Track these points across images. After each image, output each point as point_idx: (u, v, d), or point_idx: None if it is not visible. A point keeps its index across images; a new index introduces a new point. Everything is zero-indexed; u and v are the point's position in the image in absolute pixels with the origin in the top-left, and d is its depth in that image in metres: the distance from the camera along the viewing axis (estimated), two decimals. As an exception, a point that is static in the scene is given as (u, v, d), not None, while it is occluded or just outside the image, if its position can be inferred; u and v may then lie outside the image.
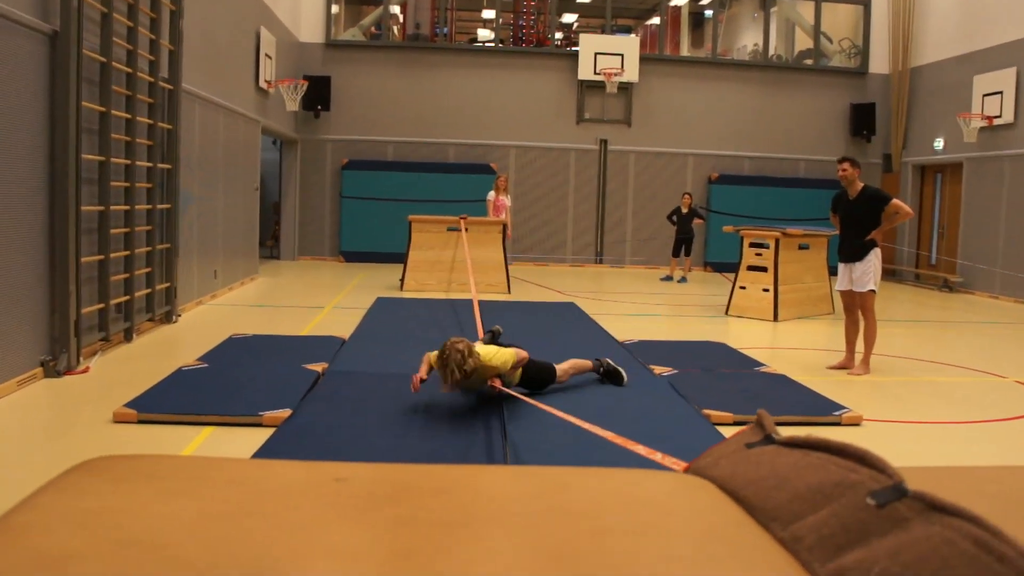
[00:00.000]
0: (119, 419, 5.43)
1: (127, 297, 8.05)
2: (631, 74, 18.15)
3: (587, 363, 6.58)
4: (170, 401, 5.73)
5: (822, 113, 18.97)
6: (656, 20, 20.46)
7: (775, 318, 10.98)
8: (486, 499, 0.85)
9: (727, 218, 17.52)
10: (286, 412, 5.49)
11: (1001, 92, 14.89)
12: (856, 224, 7.77)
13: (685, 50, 22.30)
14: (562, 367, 6.32)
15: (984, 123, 15.17)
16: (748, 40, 21.72)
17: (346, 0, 20.43)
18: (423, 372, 5.68)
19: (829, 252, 11.49)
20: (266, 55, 14.02)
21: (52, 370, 6.60)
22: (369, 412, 5.57)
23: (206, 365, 6.89)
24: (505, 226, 14.12)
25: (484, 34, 25.47)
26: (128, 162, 7.99)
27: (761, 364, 7.70)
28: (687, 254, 16.14)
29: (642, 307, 12.48)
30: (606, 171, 18.71)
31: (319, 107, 17.67)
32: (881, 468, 0.82)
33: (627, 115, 18.70)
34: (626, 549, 0.73)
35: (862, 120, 18.73)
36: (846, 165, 7.80)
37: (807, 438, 0.97)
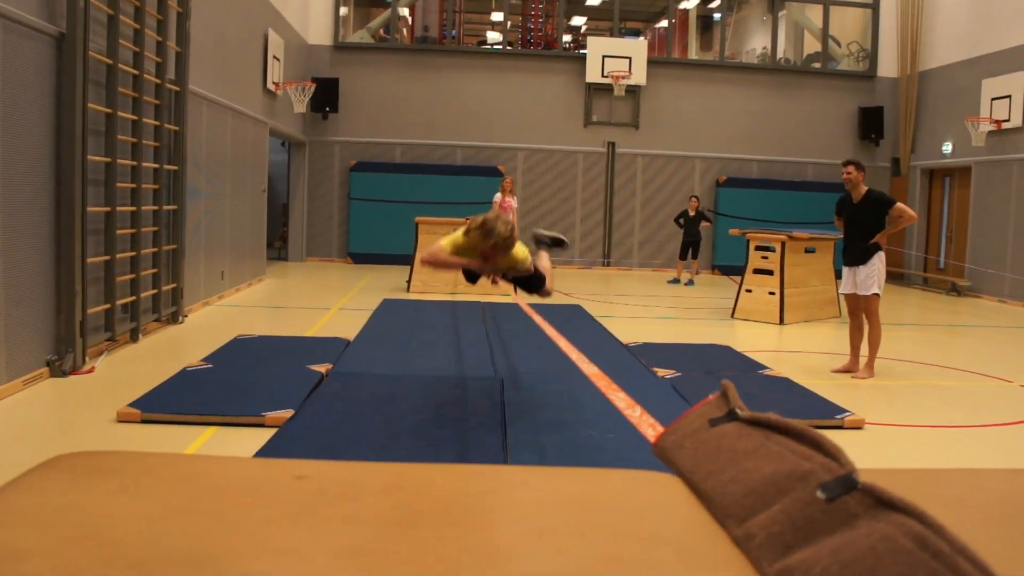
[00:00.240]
0: (123, 419, 5.45)
1: (133, 298, 8.08)
2: (639, 77, 18.15)
3: (545, 261, 6.25)
4: (174, 401, 5.75)
5: (830, 117, 18.93)
6: (665, 23, 20.45)
7: (781, 321, 10.96)
8: (437, 498, 0.85)
9: (734, 221, 17.49)
10: (288, 412, 5.50)
11: (1009, 96, 14.83)
12: (860, 228, 7.75)
13: (693, 53, 22.31)
14: (547, 273, 6.08)
15: (993, 127, 15.11)
16: (756, 43, 21.72)
17: (355, 2, 20.50)
18: (452, 259, 5.49)
19: (835, 255, 11.46)
20: (274, 57, 14.05)
21: (58, 370, 6.63)
22: (371, 413, 5.58)
23: (210, 365, 6.91)
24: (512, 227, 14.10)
25: (493, 36, 25.53)
26: (134, 163, 8.02)
27: (765, 367, 7.69)
28: (694, 257, 16.12)
29: (648, 310, 12.47)
30: (614, 174, 18.71)
31: (327, 109, 17.71)
32: (834, 456, 0.83)
33: (635, 118, 18.69)
34: (566, 550, 0.74)
35: (870, 124, 18.68)
36: (851, 168, 7.79)
37: (768, 418, 0.98)
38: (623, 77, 17.95)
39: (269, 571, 0.68)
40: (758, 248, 11.43)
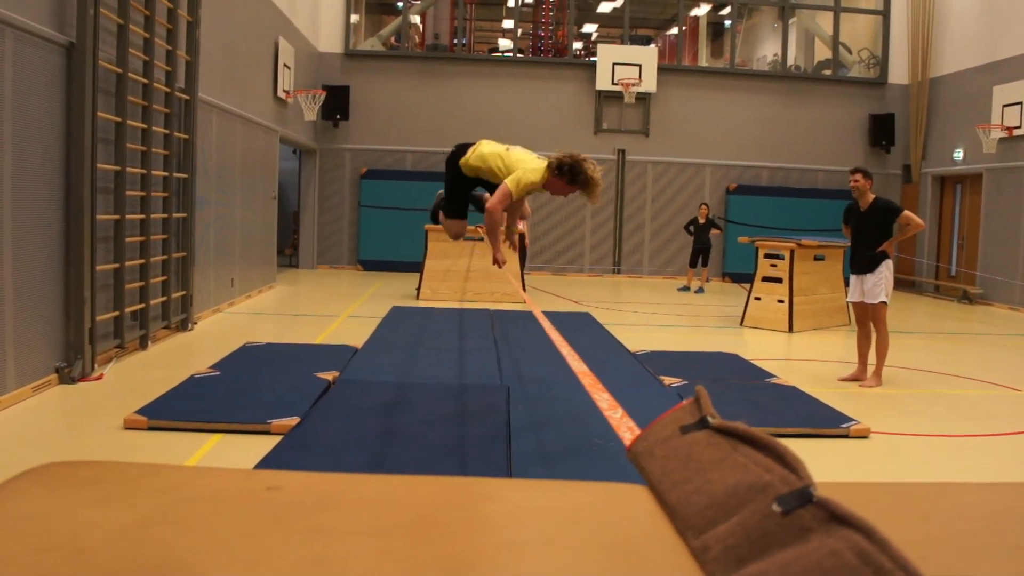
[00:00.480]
0: (129, 426, 5.49)
1: (142, 305, 8.13)
2: (649, 84, 18.16)
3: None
4: (180, 408, 5.79)
5: (841, 124, 18.91)
6: (675, 31, 20.47)
7: (790, 329, 10.95)
8: (408, 509, 0.87)
9: (745, 228, 17.48)
10: (294, 420, 5.53)
11: (1021, 103, 14.78)
12: (867, 235, 7.75)
13: (704, 60, 22.32)
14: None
15: (1004, 134, 15.07)
16: (767, 50, 21.71)
17: (366, 10, 20.58)
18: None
19: (845, 263, 11.44)
20: (284, 65, 14.12)
21: (66, 376, 6.68)
22: (377, 421, 5.60)
23: (218, 373, 6.95)
24: (523, 236, 14.16)
25: (505, 44, 25.60)
26: (144, 171, 8.07)
27: (772, 375, 7.68)
28: (704, 264, 16.11)
29: (658, 318, 12.47)
30: (624, 181, 18.72)
31: (338, 116, 17.78)
32: (794, 468, 0.84)
33: (645, 125, 18.71)
34: (522, 562, 0.75)
35: (881, 131, 18.65)
36: (858, 176, 7.78)
37: (736, 427, 0.99)
38: (633, 84, 17.97)
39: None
40: (767, 256, 11.42)
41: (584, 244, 18.72)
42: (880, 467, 5.32)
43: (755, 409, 6.28)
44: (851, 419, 6.07)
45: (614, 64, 18.24)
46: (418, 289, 13.35)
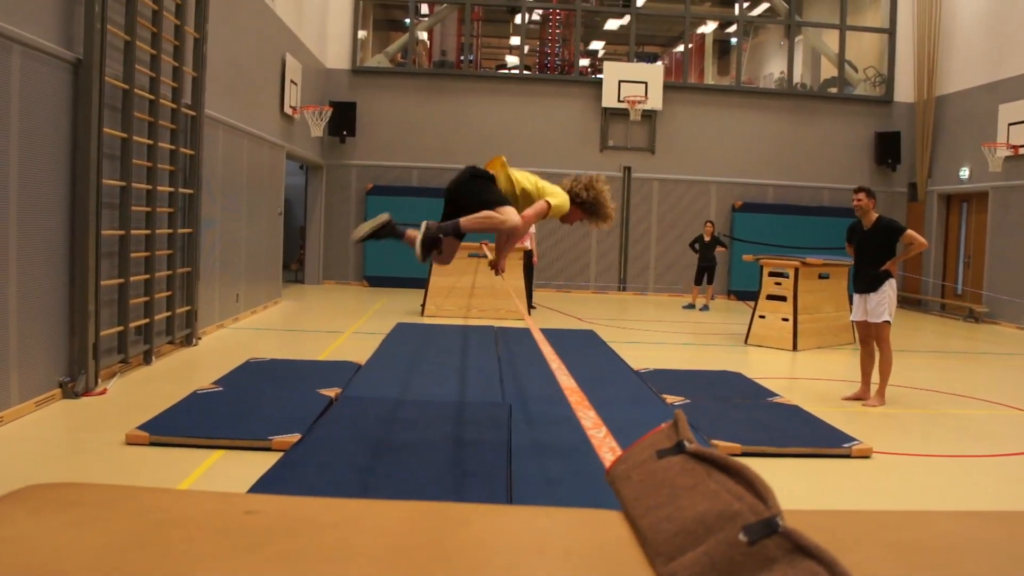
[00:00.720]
0: (131, 441, 5.50)
1: (147, 320, 8.16)
2: (655, 102, 18.20)
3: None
4: (182, 424, 5.79)
5: (847, 141, 18.92)
6: (682, 48, 20.53)
7: (794, 348, 10.93)
8: (377, 535, 0.88)
9: (750, 246, 17.47)
10: (295, 437, 5.53)
11: (1027, 121, 14.79)
12: (871, 254, 7.74)
13: (710, 78, 22.35)
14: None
15: (1009, 152, 15.05)
16: (774, 68, 21.76)
17: (373, 26, 20.68)
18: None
19: (850, 282, 11.41)
20: (291, 81, 14.19)
21: (70, 391, 6.69)
22: (378, 439, 5.60)
23: (221, 389, 6.96)
24: (530, 252, 14.21)
25: (512, 60, 25.69)
26: (149, 187, 8.11)
27: (775, 394, 7.66)
28: (709, 282, 16.10)
29: (662, 335, 12.46)
30: (630, 198, 18.74)
31: (345, 132, 17.85)
32: (763, 497, 0.84)
33: (651, 142, 18.74)
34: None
35: (887, 149, 18.65)
36: (861, 195, 7.79)
37: (710, 453, 1.00)
38: (639, 102, 18.01)
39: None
40: (771, 274, 11.41)
41: (589, 261, 18.73)
42: (881, 487, 5.31)
43: (757, 428, 6.27)
44: (853, 439, 6.06)
45: (620, 81, 18.29)
46: (423, 305, 13.37)
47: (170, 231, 8.73)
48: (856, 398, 7.88)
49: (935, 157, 17.95)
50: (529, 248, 14.37)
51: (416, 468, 4.96)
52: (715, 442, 5.80)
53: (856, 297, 7.93)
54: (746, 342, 11.50)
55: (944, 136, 17.67)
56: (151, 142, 8.10)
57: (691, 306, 16.27)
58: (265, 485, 4.56)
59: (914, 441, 6.50)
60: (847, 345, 11.53)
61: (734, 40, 20.44)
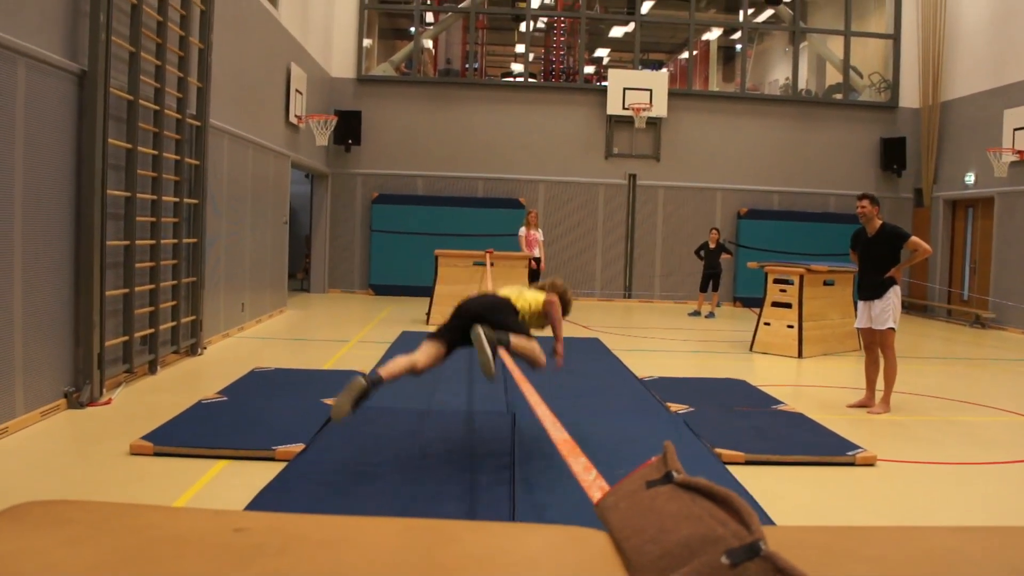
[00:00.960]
0: (135, 451, 5.51)
1: (152, 330, 8.18)
2: (660, 109, 18.21)
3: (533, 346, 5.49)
4: (186, 434, 5.81)
5: (852, 148, 18.91)
6: (686, 55, 20.55)
7: (800, 355, 10.92)
8: (367, 552, 0.88)
9: (756, 253, 17.47)
10: (299, 447, 5.54)
11: (1032, 127, 14.78)
12: (875, 261, 7.74)
13: (715, 85, 22.38)
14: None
15: (1015, 157, 15.04)
16: (778, 75, 21.77)
17: (378, 35, 20.74)
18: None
19: (855, 289, 11.42)
20: (296, 91, 14.23)
21: (75, 401, 6.71)
22: (381, 448, 5.61)
23: (225, 398, 6.97)
24: (537, 260, 14.24)
25: (518, 68, 25.73)
26: (154, 197, 8.14)
27: (779, 402, 7.65)
28: (715, 289, 16.09)
29: (668, 343, 12.45)
30: (635, 205, 18.75)
31: (350, 141, 17.89)
32: (747, 523, 0.85)
33: (656, 150, 18.75)
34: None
35: (892, 154, 18.64)
36: (865, 202, 7.79)
37: (698, 482, 1.00)
38: (644, 109, 18.02)
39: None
40: (776, 281, 11.41)
41: (595, 269, 18.74)
42: (885, 496, 5.29)
43: (761, 437, 6.26)
44: (857, 447, 6.05)
45: (625, 89, 18.30)
46: (428, 314, 13.37)
47: (175, 241, 8.75)
48: (861, 405, 7.87)
49: (940, 163, 17.94)
50: (537, 255, 14.39)
51: (420, 478, 4.96)
52: (718, 450, 5.80)
53: (860, 304, 7.93)
54: (751, 349, 11.49)
55: (949, 141, 17.66)
56: (156, 153, 8.13)
57: (697, 313, 16.26)
58: (268, 495, 4.57)
59: (919, 448, 6.49)
60: (853, 352, 11.51)
61: (739, 47, 20.45)
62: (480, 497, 4.65)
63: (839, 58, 19.18)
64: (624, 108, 18.20)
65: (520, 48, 23.14)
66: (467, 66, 20.27)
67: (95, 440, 5.96)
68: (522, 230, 14.71)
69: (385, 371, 5.01)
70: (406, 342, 10.69)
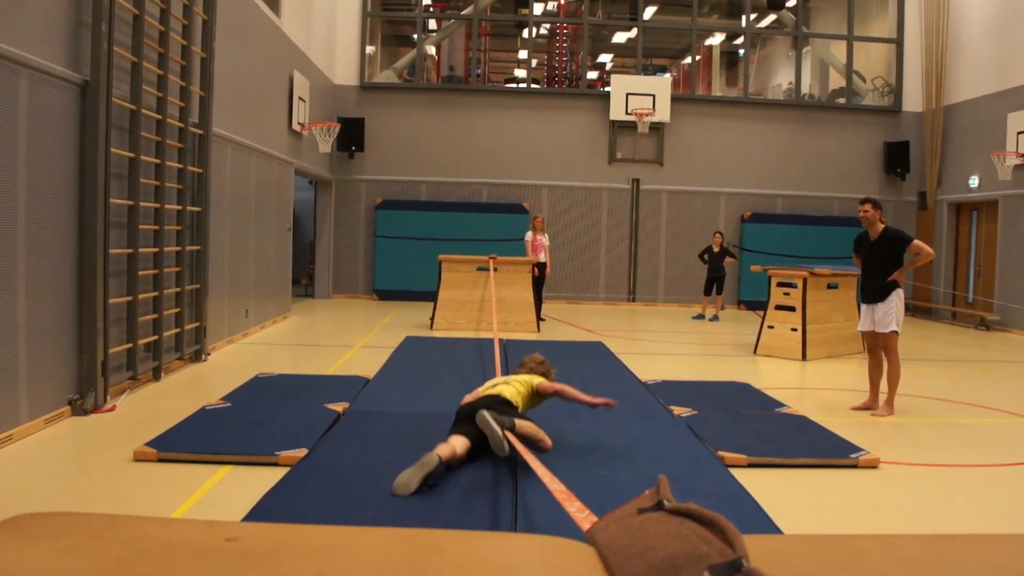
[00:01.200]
0: (139, 458, 5.53)
1: (156, 337, 8.21)
2: (662, 114, 18.24)
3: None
4: (190, 440, 5.82)
5: (855, 151, 18.92)
6: (690, 60, 20.56)
7: (803, 357, 10.92)
8: (353, 562, 0.90)
9: (760, 257, 17.48)
10: (302, 452, 5.56)
11: (1035, 129, 14.76)
12: (878, 265, 7.75)
13: (718, 90, 22.39)
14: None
15: (1019, 161, 15.03)
16: (781, 79, 21.77)
17: (381, 42, 20.78)
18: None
19: (859, 291, 11.42)
20: (299, 98, 14.28)
21: (79, 408, 6.74)
22: (384, 453, 5.61)
23: (229, 404, 6.99)
24: (541, 265, 14.25)
25: (521, 74, 25.79)
26: (157, 206, 8.17)
27: (782, 405, 7.66)
28: (719, 292, 16.10)
29: (671, 346, 12.46)
30: (638, 210, 18.76)
31: (353, 148, 17.94)
32: (731, 542, 0.86)
33: (659, 155, 18.78)
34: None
35: (896, 158, 18.64)
36: (867, 206, 7.80)
37: (688, 507, 1.02)
38: (647, 114, 18.05)
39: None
40: (780, 284, 11.41)
41: (599, 272, 18.75)
42: (887, 499, 5.29)
43: (764, 440, 6.26)
44: (860, 449, 6.05)
45: (628, 94, 18.33)
46: (432, 319, 13.40)
47: (178, 248, 8.79)
48: (865, 408, 7.87)
49: (944, 166, 17.93)
50: (543, 260, 14.40)
51: (421, 485, 4.97)
52: (721, 453, 5.80)
53: (863, 307, 7.94)
54: (755, 352, 11.49)
55: (953, 145, 17.65)
56: (159, 161, 8.16)
57: (701, 316, 16.26)
58: (270, 501, 4.58)
59: (923, 451, 6.49)
60: (857, 354, 11.50)
61: (741, 52, 20.46)
62: (482, 504, 4.66)
63: (842, 63, 19.19)
64: (627, 113, 18.23)
65: (523, 54, 23.16)
66: (470, 72, 20.30)
67: (99, 447, 5.98)
68: (529, 235, 14.73)
69: (442, 454, 5.07)
70: (410, 347, 10.71)
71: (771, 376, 9.81)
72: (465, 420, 5.52)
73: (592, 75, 24.75)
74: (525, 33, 20.07)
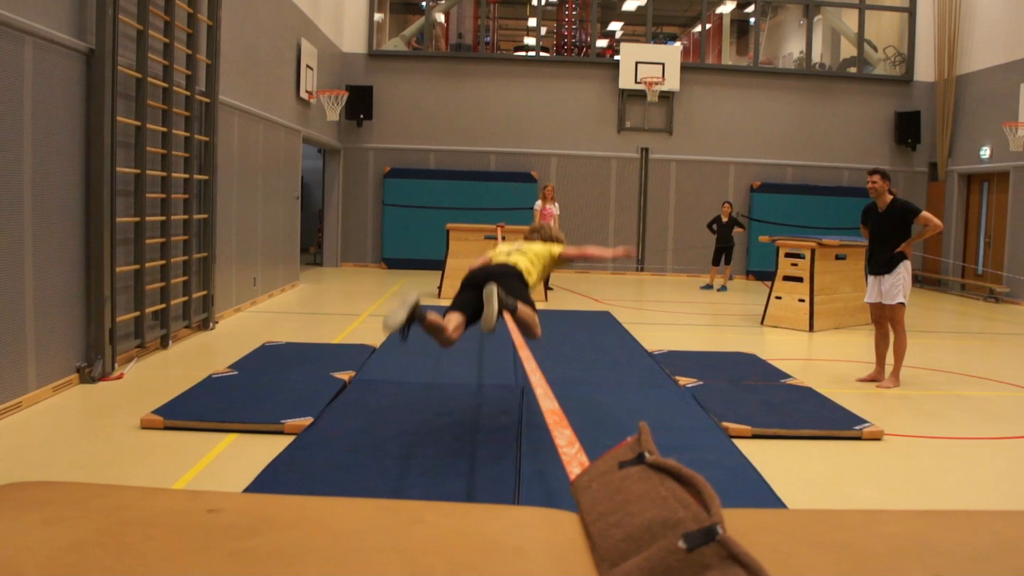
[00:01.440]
0: (146, 425, 5.57)
1: (163, 305, 8.23)
2: (672, 83, 18.12)
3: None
4: (196, 408, 5.86)
5: (866, 121, 18.77)
6: (700, 29, 20.39)
7: (811, 328, 10.90)
8: (333, 533, 0.90)
9: (769, 227, 17.41)
10: (307, 420, 5.59)
11: (1048, 100, 14.62)
12: (885, 236, 7.71)
13: (729, 58, 22.21)
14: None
15: (1031, 131, 14.91)
16: (792, 48, 21.59)
17: (390, 10, 20.65)
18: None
19: (867, 263, 11.37)
20: (307, 66, 14.21)
21: (87, 376, 6.78)
22: (389, 422, 5.64)
23: (236, 372, 7.02)
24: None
25: (530, 42, 25.63)
26: (164, 174, 8.17)
27: (788, 376, 7.65)
28: (727, 263, 16.05)
29: (679, 316, 12.45)
30: (647, 179, 18.69)
31: (361, 116, 17.88)
32: (707, 506, 0.86)
33: (668, 124, 18.67)
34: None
35: (907, 128, 18.50)
36: (876, 177, 7.75)
37: (667, 463, 1.02)
38: (656, 83, 17.93)
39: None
40: (788, 255, 11.37)
41: (607, 242, 18.70)
42: (890, 470, 5.30)
43: (768, 411, 6.27)
44: (865, 421, 6.05)
45: (637, 63, 18.21)
46: (440, 287, 13.41)
47: (186, 217, 8.79)
48: (871, 379, 7.86)
49: (955, 137, 17.79)
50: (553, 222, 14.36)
51: (425, 452, 5.00)
52: (725, 424, 5.81)
53: (870, 279, 7.91)
54: (762, 323, 11.47)
55: (964, 115, 17.51)
56: (165, 129, 8.15)
57: (709, 287, 16.24)
58: (275, 469, 4.61)
59: (927, 423, 6.49)
60: (864, 325, 11.46)
61: (752, 20, 20.27)
62: (485, 473, 4.68)
63: (854, 31, 19.01)
64: (637, 82, 18.11)
65: (532, 22, 22.99)
66: (479, 40, 20.18)
67: (107, 414, 6.02)
68: (538, 203, 14.68)
69: (430, 314, 5.03)
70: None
71: (778, 347, 9.80)
72: (471, 288, 5.39)
73: (602, 43, 24.57)
74: (535, 0, 19.91)
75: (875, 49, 19.34)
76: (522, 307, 5.17)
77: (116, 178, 7.05)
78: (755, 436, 5.72)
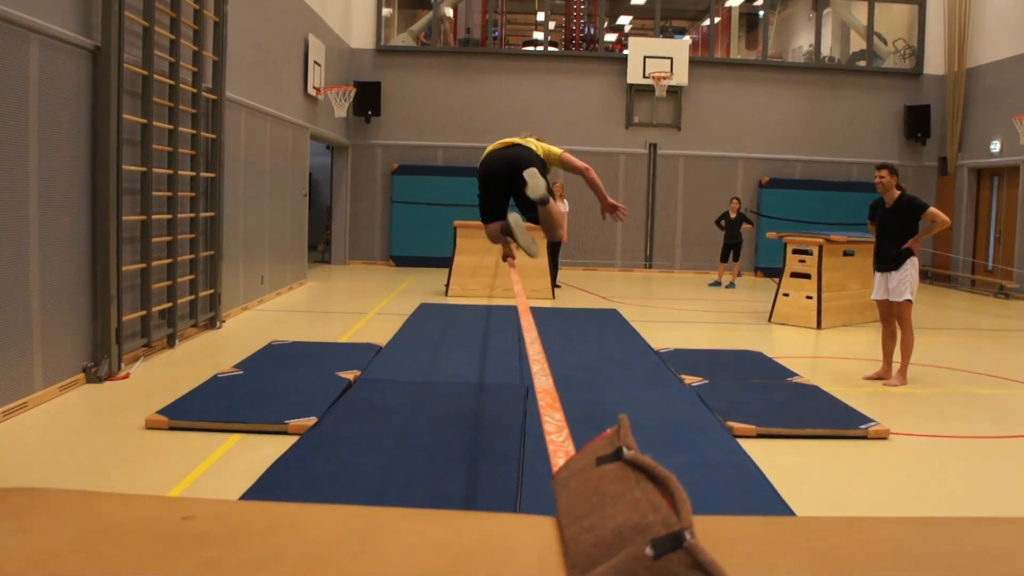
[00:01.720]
0: (151, 425, 5.58)
1: (170, 304, 8.24)
2: (680, 78, 18.07)
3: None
4: (201, 408, 5.87)
5: (876, 115, 18.70)
6: (708, 22, 20.33)
7: (818, 326, 10.86)
8: (304, 541, 0.90)
9: (777, 223, 17.35)
10: (311, 420, 5.59)
11: (1059, 94, 14.53)
12: (892, 232, 7.67)
13: (738, 52, 22.14)
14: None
15: (1042, 126, 14.82)
16: (801, 42, 21.51)
17: (398, 5, 20.65)
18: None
19: (874, 259, 11.32)
20: (315, 62, 14.22)
21: (93, 376, 6.79)
22: (392, 423, 5.64)
23: (241, 372, 7.03)
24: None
25: (539, 37, 25.61)
26: (171, 172, 8.17)
27: (794, 374, 7.63)
28: (735, 259, 16.00)
29: (686, 313, 12.43)
30: (655, 175, 18.65)
31: (369, 112, 17.88)
32: (678, 509, 0.85)
33: (677, 119, 18.63)
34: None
35: (917, 122, 18.42)
36: (883, 172, 7.72)
37: (643, 461, 1.00)
38: (665, 78, 17.88)
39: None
40: (795, 251, 11.33)
41: (616, 239, 18.69)
42: (895, 470, 5.28)
43: (774, 410, 6.25)
44: (870, 420, 6.02)
45: (645, 57, 18.17)
46: (447, 285, 13.41)
47: (192, 215, 8.80)
48: (877, 377, 7.83)
49: (966, 130, 17.71)
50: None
51: (428, 452, 5.00)
52: (730, 423, 5.79)
53: (877, 275, 7.87)
54: (770, 320, 11.44)
55: (975, 109, 17.42)
56: (172, 127, 8.16)
57: (717, 283, 16.20)
58: (278, 470, 4.62)
59: (934, 422, 6.45)
60: (873, 323, 11.39)
61: (761, 13, 20.19)
62: (488, 475, 4.68)
63: (863, 24, 18.92)
64: (645, 77, 18.07)
65: (540, 16, 22.97)
66: (487, 35, 20.16)
67: (112, 414, 6.04)
68: (546, 201, 14.63)
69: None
70: (424, 314, 10.73)
71: (785, 345, 9.78)
72: (493, 185, 5.89)
73: (610, 37, 24.52)
74: (542, -4, 19.90)
75: (884, 42, 19.26)
76: (552, 203, 5.49)
77: (122, 176, 7.06)
78: (760, 435, 5.70)
